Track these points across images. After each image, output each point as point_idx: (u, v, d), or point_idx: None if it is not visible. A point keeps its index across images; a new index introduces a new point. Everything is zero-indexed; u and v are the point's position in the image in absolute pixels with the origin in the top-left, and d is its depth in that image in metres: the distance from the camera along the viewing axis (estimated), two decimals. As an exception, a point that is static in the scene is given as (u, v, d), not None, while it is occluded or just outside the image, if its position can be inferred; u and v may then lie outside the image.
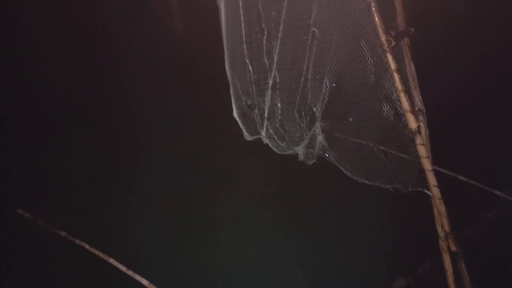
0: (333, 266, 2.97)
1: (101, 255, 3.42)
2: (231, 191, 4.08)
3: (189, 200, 4.07)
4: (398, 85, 2.30)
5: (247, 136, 3.75)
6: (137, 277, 3.22)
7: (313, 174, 3.43)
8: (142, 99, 5.51)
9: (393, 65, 2.27)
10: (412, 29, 2.47)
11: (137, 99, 5.50)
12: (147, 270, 3.26)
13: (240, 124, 3.78)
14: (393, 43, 2.25)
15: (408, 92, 2.40)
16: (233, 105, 3.75)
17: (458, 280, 2.52)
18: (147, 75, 5.90)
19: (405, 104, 2.34)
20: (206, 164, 4.46)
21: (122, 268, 3.29)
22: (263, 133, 3.63)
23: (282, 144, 3.52)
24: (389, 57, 2.25)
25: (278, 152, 3.57)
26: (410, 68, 2.50)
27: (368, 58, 2.48)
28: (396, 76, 2.30)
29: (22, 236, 3.77)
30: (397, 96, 2.37)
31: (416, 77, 2.49)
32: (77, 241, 3.57)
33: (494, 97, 4.21)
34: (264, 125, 3.60)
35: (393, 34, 2.28)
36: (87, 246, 3.52)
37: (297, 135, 3.41)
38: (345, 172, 3.08)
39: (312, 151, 3.34)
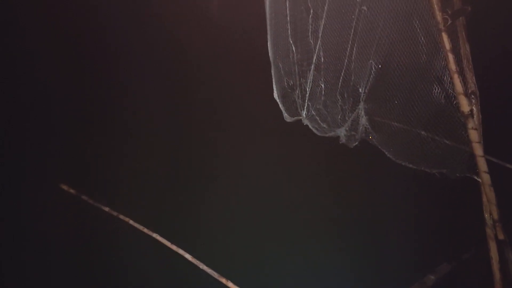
0: (378, 251, 2.95)
1: (145, 230, 3.52)
2: (270, 172, 4.09)
3: (232, 179, 4.12)
4: (452, 66, 2.22)
5: (287, 118, 3.74)
6: (181, 251, 3.31)
7: (355, 156, 3.38)
8: (183, 78, 5.58)
9: (448, 45, 2.19)
10: (469, 8, 2.36)
11: (178, 78, 5.57)
12: (190, 245, 3.32)
13: (280, 105, 3.77)
14: (449, 22, 2.16)
15: (461, 73, 2.31)
16: (274, 86, 3.74)
17: (503, 268, 2.45)
18: (190, 53, 5.93)
19: (459, 86, 2.26)
20: (245, 145, 4.48)
21: (166, 242, 3.38)
22: (304, 115, 3.61)
23: (323, 126, 3.49)
24: (445, 37, 2.17)
25: (319, 134, 3.54)
26: (465, 49, 2.40)
27: (420, 38, 2.39)
28: (451, 57, 2.21)
29: (67, 211, 3.91)
30: (450, 77, 2.29)
31: (470, 58, 2.39)
32: (121, 216, 3.68)
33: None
34: (305, 106, 3.57)
35: (449, 12, 2.19)
36: (130, 222, 3.63)
37: (339, 117, 3.37)
38: (388, 155, 3.03)
39: (354, 133, 3.28)
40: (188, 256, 3.28)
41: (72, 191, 4.10)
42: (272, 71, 3.69)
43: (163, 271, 3.36)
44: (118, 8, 6.06)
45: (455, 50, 2.29)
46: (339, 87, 3.23)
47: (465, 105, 2.28)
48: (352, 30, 2.92)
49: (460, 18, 2.39)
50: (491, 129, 2.49)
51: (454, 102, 2.37)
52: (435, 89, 2.48)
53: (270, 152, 4.38)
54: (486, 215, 2.44)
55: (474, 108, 2.38)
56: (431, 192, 3.20)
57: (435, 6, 2.14)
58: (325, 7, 2.99)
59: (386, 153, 3.04)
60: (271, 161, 4.26)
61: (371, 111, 3.12)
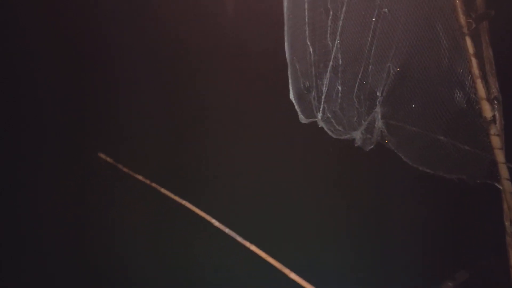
0: (395, 258, 2.92)
1: (176, 198, 3.56)
2: (284, 172, 4.09)
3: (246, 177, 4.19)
4: (476, 70, 2.18)
5: (303, 119, 3.72)
6: (207, 217, 3.39)
7: (370, 160, 3.35)
8: (200, 79, 5.61)
9: (471, 49, 2.16)
10: (493, 12, 2.32)
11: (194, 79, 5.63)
12: (217, 213, 3.38)
13: (296, 107, 3.76)
14: (474, 26, 2.13)
15: (484, 78, 2.28)
16: (290, 87, 3.73)
17: (523, 278, 2.41)
18: (204, 52, 5.96)
19: (481, 91, 2.22)
20: (260, 146, 4.49)
21: (195, 209, 3.41)
22: (319, 116, 3.59)
23: (339, 128, 3.46)
24: (468, 41, 2.14)
25: (334, 136, 3.52)
26: (488, 53, 2.36)
27: (443, 41, 2.36)
28: (474, 61, 2.18)
29: (104, 179, 4.11)
30: (472, 82, 2.26)
31: (493, 63, 2.35)
32: (153, 185, 3.79)
33: None
34: (321, 108, 3.55)
35: (473, 16, 2.16)
36: (162, 190, 3.67)
37: (355, 119, 3.34)
38: (405, 159, 2.99)
39: (370, 136, 3.26)
40: (215, 221, 3.36)
41: (109, 159, 4.21)
42: (289, 72, 3.68)
43: (191, 235, 3.54)
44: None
45: (478, 54, 2.26)
46: (355, 89, 3.20)
47: (487, 110, 2.24)
48: (371, 32, 2.89)
49: (484, 22, 2.36)
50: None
51: (476, 107, 2.33)
52: (457, 94, 2.44)
53: (285, 152, 4.39)
54: (507, 223, 2.40)
55: (496, 113, 2.34)
56: (450, 198, 3.16)
57: (459, 9, 2.11)
58: (344, 9, 2.98)
59: (403, 157, 3.00)
60: (285, 162, 4.27)
61: (387, 115, 3.09)
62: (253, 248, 2.50)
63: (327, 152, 3.99)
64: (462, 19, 2.12)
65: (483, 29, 2.38)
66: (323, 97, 3.48)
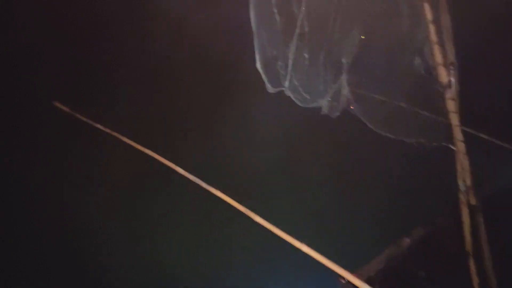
0: (356, 215, 3.08)
1: (139, 147, 3.30)
2: (252, 142, 4.14)
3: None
4: (433, 36, 2.27)
5: (270, 88, 3.74)
6: (171, 165, 3.08)
7: (336, 127, 3.45)
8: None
9: (429, 16, 2.23)
10: (451, -21, 2.39)
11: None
12: (181, 159, 3.18)
13: (263, 76, 3.77)
14: (432, -7, 2.20)
15: (441, 44, 2.37)
16: (257, 56, 3.72)
17: (474, 232, 2.60)
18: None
19: (438, 57, 2.32)
20: (226, 117, 4.50)
21: (159, 158, 3.18)
22: (287, 85, 3.62)
23: (306, 96, 3.52)
24: (427, 7, 2.21)
25: (301, 105, 3.57)
26: (445, 20, 2.43)
27: (403, 8, 2.43)
28: (432, 28, 2.26)
29: (60, 128, 3.91)
30: (430, 48, 2.35)
31: (451, 29, 2.43)
32: (115, 134, 3.50)
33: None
34: (288, 77, 3.58)
35: (432, -17, 2.22)
36: (124, 139, 3.40)
37: (322, 87, 3.41)
38: (369, 125, 3.10)
39: (336, 104, 3.34)
40: (179, 169, 3.03)
41: (65, 108, 3.98)
42: (255, 41, 3.66)
43: (155, 185, 3.55)
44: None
45: (436, 21, 2.34)
46: (322, 57, 3.25)
47: (443, 75, 2.35)
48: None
49: (442, -11, 2.43)
50: (468, 99, 2.57)
51: (434, 73, 2.43)
52: (416, 60, 2.54)
53: (252, 122, 4.43)
54: (460, 182, 2.56)
55: (452, 78, 2.45)
56: (409, 160, 3.32)
57: (419, -24, 2.16)
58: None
59: (367, 123, 3.11)
60: (253, 131, 4.31)
61: (353, 82, 3.17)
62: (219, 194, 2.51)
63: (294, 120, 4.05)
64: (421, -14, 2.17)
65: (441, -5, 2.45)
66: (290, 65, 3.51)
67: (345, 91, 3.22)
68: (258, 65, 3.75)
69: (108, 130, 3.51)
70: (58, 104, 3.93)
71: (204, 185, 2.67)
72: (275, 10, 3.35)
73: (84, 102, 4.10)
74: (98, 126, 3.58)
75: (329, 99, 3.36)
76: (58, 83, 4.41)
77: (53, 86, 4.36)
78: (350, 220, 3.14)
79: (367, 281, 2.11)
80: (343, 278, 1.88)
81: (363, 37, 2.95)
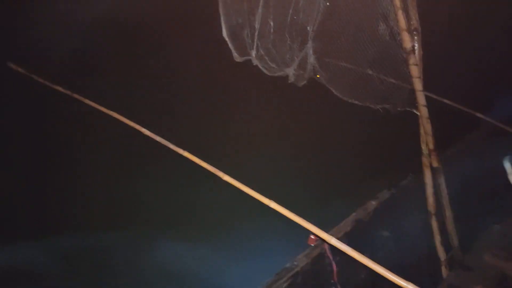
0: (324, 180, 3.15)
1: (103, 108, 3.20)
2: (220, 110, 4.12)
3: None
4: (397, 2, 2.27)
5: (237, 57, 3.67)
6: (137, 126, 2.87)
7: (304, 95, 3.47)
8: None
9: (393, -19, 2.22)
10: None
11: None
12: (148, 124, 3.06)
13: (230, 44, 3.70)
14: (395, -43, 2.19)
15: (405, 10, 2.38)
16: (223, 24, 3.63)
17: (436, 193, 2.72)
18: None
19: (402, 23, 2.34)
20: (195, 85, 4.44)
21: (122, 118, 3.09)
22: (254, 54, 3.58)
23: (272, 65, 3.49)
24: (390, -28, 2.20)
25: (268, 73, 3.54)
26: (409, -15, 2.44)
27: (368, -27, 2.41)
28: (396, -7, 2.26)
29: (16, 91, 3.75)
30: (395, 14, 2.36)
31: (414, -6, 2.45)
32: (76, 96, 3.24)
33: (489, 24, 4.23)
34: (255, 46, 3.53)
35: None
36: (86, 101, 3.31)
37: (288, 56, 3.38)
38: (336, 93, 3.13)
39: (303, 72, 3.33)
40: (145, 130, 2.83)
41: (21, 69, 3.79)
42: (220, 9, 3.57)
43: (117, 144, 3.44)
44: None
45: (400, -14, 2.34)
46: (287, 25, 3.21)
47: (407, 41, 2.38)
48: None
49: (406, -47, 2.42)
50: (430, 65, 2.63)
51: (398, 38, 2.45)
52: (381, 26, 2.55)
53: (221, 91, 4.39)
54: (423, 146, 2.66)
55: (416, 44, 2.48)
56: (374, 126, 3.39)
57: None
58: None
59: (334, 91, 3.13)
60: (223, 99, 4.29)
61: (319, 50, 3.16)
62: (186, 154, 2.49)
63: (263, 89, 4.04)
64: (385, -50, 2.15)
65: (405, -40, 2.45)
66: (256, 33, 3.45)
67: (311, 59, 3.21)
68: (224, 33, 3.68)
69: (68, 92, 3.36)
70: (12, 65, 3.71)
71: (171, 146, 2.63)
72: (239, -23, 3.26)
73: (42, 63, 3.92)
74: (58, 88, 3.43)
75: (296, 68, 3.35)
76: (13, 44, 4.19)
77: (6, 45, 4.13)
78: (318, 185, 3.22)
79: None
80: (314, 234, 1.92)
81: (328, 3, 2.92)
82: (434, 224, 2.76)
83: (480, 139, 3.26)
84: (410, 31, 2.40)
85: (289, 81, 3.42)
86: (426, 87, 2.54)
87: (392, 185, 2.72)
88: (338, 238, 2.27)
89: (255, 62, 3.60)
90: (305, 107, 3.96)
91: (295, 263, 2.13)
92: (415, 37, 2.47)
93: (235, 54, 3.68)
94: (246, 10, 3.39)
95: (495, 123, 3.20)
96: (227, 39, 3.68)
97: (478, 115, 3.26)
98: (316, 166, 3.42)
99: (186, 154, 2.53)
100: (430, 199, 2.72)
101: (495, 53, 4.29)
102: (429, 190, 2.69)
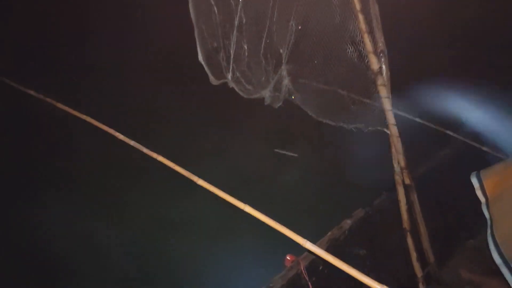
0: (299, 198, 3.17)
1: (75, 112, 3.15)
2: (199, 134, 4.14)
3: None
4: (362, 26, 2.36)
5: (213, 81, 3.73)
6: (102, 126, 2.94)
7: (279, 116, 3.53)
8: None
9: (358, 6, 2.31)
10: (377, -30, 2.49)
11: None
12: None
13: (206, 68, 3.75)
14: (359, -17, 2.28)
15: (371, 33, 2.47)
16: (198, 49, 3.69)
17: (410, 210, 2.76)
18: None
19: (368, 45, 2.42)
20: (174, 109, 4.47)
21: (95, 122, 3.06)
22: (229, 77, 3.63)
23: (248, 88, 3.54)
24: (355, -2, 2.29)
25: (245, 96, 3.60)
26: (374, 9, 2.53)
27: (334, -1, 2.50)
28: (361, 17, 2.35)
29: None
30: (361, 37, 2.44)
31: (379, 18, 2.54)
32: (48, 99, 3.33)
33: (453, 40, 4.41)
34: (230, 69, 3.59)
35: (358, -26, 2.31)
36: (59, 105, 3.27)
37: (263, 78, 3.44)
38: (310, 113, 3.19)
39: (278, 94, 3.39)
40: (119, 134, 2.87)
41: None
42: (196, 33, 3.62)
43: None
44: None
45: (365, 10, 2.43)
46: (262, 48, 3.28)
47: (374, 63, 2.46)
48: (273, -9, 2.95)
49: (370, -20, 2.52)
50: (398, 84, 2.71)
51: (366, 60, 2.53)
52: (349, 49, 2.63)
53: (198, 114, 4.42)
54: (395, 164, 2.71)
55: (383, 65, 2.56)
56: (348, 145, 3.45)
57: (346, -33, 2.23)
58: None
59: (308, 111, 3.19)
60: (200, 123, 4.32)
61: (293, 72, 3.23)
62: (160, 158, 2.50)
63: (240, 111, 4.09)
64: (349, -23, 2.25)
65: (369, -14, 2.55)
66: (231, 57, 3.51)
67: (286, 81, 3.28)
68: (200, 58, 3.73)
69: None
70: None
71: (145, 150, 2.64)
72: (213, 3, 3.33)
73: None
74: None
75: (271, 89, 3.41)
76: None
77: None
78: (291, 206, 3.23)
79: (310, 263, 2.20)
80: (289, 255, 1.93)
81: (299, 27, 3.01)
82: (410, 241, 2.79)
83: (450, 155, 3.34)
84: (376, 53, 2.48)
85: (265, 103, 3.47)
86: (396, 106, 2.62)
87: (367, 203, 2.76)
88: (313, 258, 2.29)
89: (231, 84, 3.65)
90: (280, 128, 4.02)
91: (271, 285, 2.12)
92: (382, 59, 2.55)
93: (211, 78, 3.73)
94: (221, 35, 3.46)
95: (463, 140, 3.30)
96: (203, 63, 3.74)
97: (448, 132, 3.36)
98: (288, 186, 3.46)
99: (160, 158, 2.56)
100: (405, 216, 2.76)
101: (464, 71, 4.45)
102: (403, 207, 2.73)
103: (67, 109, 3.11)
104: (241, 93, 3.63)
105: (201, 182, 2.26)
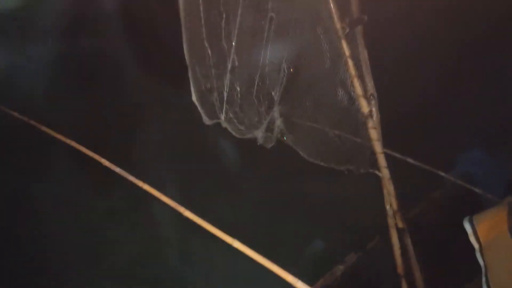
0: (290, 242, 3.11)
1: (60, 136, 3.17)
2: (191, 174, 4.12)
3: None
4: (352, 70, 2.40)
5: (207, 120, 3.76)
6: (87, 151, 2.98)
7: (271, 156, 3.52)
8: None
9: (347, 52, 2.36)
10: (366, 17, 2.56)
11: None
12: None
13: (199, 108, 3.78)
14: (347, 30, 2.34)
15: (361, 77, 2.51)
16: (192, 89, 3.74)
17: (404, 254, 2.71)
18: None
19: (358, 89, 2.45)
20: (166, 148, 4.47)
21: (81, 147, 2.99)
22: (222, 117, 3.66)
23: (241, 128, 3.56)
24: (344, 44, 2.35)
25: (238, 136, 3.61)
26: (363, 54, 2.59)
27: (324, 44, 2.56)
28: (350, 62, 2.40)
29: None
30: (351, 81, 2.48)
31: (368, 63, 2.59)
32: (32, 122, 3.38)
33: (441, 83, 4.49)
34: (224, 109, 3.62)
35: (347, 21, 2.37)
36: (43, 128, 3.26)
37: (256, 119, 3.47)
38: (302, 154, 3.19)
39: (270, 134, 3.41)
40: (104, 161, 2.89)
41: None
42: (189, 74, 3.68)
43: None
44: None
45: (355, 55, 2.48)
46: (254, 90, 3.33)
47: (364, 106, 2.48)
48: (265, 35, 3.02)
49: (358, 26, 2.59)
50: (389, 126, 2.73)
51: (356, 103, 2.56)
52: (340, 92, 2.67)
53: (192, 153, 4.42)
54: (387, 206, 2.68)
55: (373, 109, 2.59)
56: (339, 188, 3.43)
57: (334, 15, 2.30)
58: (238, 12, 3.07)
59: (300, 152, 3.19)
60: (193, 162, 4.31)
61: (285, 113, 3.26)
62: (146, 187, 2.47)
63: (233, 151, 4.09)
64: (337, 24, 2.31)
65: (358, 32, 2.62)
66: (224, 98, 3.56)
67: (278, 122, 3.30)
68: (194, 98, 3.78)
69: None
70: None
71: (131, 178, 2.62)
72: (207, 44, 3.41)
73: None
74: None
75: (264, 130, 3.43)
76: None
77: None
78: (282, 250, 3.16)
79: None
80: None
81: (291, 69, 3.07)
82: (404, 286, 2.72)
83: (443, 198, 3.33)
84: (366, 96, 2.51)
85: (258, 143, 3.48)
86: (388, 146, 2.62)
87: (359, 248, 2.71)
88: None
89: (224, 124, 3.68)
90: (272, 168, 4.01)
91: None
92: (372, 102, 2.58)
93: (204, 118, 3.77)
94: (214, 76, 3.51)
95: (457, 182, 3.29)
96: (196, 103, 3.78)
97: (441, 173, 3.35)
98: (279, 229, 3.41)
99: (146, 187, 2.53)
100: (399, 261, 2.70)
101: (456, 112, 4.51)
102: (397, 251, 2.68)
103: (50, 132, 3.14)
104: (233, 133, 3.65)
105: (187, 213, 2.23)
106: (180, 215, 2.28)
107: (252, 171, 4.14)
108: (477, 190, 3.23)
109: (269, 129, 3.40)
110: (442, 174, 3.37)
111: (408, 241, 2.71)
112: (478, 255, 2.08)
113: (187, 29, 3.51)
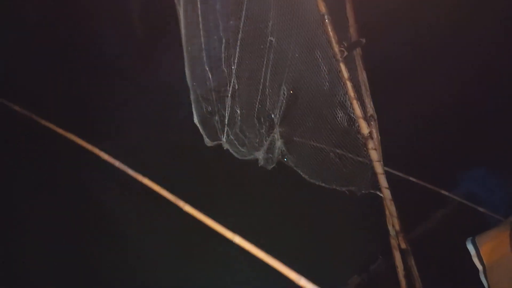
0: (291, 266, 3.06)
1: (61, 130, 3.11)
2: (193, 195, 4.11)
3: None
4: (351, 93, 2.43)
5: (208, 142, 3.78)
6: (94, 150, 2.87)
7: (272, 177, 3.52)
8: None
9: (346, 74, 2.39)
10: (364, 40, 2.61)
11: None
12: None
13: (201, 130, 3.81)
14: (346, 53, 2.38)
15: (360, 99, 2.53)
16: (194, 111, 3.78)
17: (408, 275, 2.68)
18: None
19: (358, 111, 2.47)
20: (167, 170, 4.47)
21: (80, 141, 2.95)
22: (224, 139, 3.68)
23: (242, 150, 3.58)
24: (342, 67, 2.38)
25: (239, 157, 3.63)
26: (362, 76, 2.63)
27: (323, 67, 2.60)
28: (349, 85, 2.42)
29: None
30: (350, 103, 2.50)
31: (367, 85, 2.62)
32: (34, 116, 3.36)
33: (440, 102, 4.52)
34: (225, 131, 3.65)
35: (345, 44, 2.41)
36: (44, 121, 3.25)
37: (257, 140, 3.49)
38: (303, 175, 3.19)
39: (271, 156, 3.42)
40: (103, 154, 2.81)
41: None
42: (191, 97, 3.73)
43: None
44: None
45: (353, 78, 2.51)
46: (255, 112, 3.36)
47: (364, 127, 2.50)
48: (265, 59, 3.07)
49: (357, 49, 2.64)
50: (390, 147, 2.74)
51: (356, 125, 2.58)
52: (339, 114, 2.69)
53: (192, 174, 4.42)
54: (390, 227, 2.67)
55: (373, 130, 2.61)
56: (341, 209, 3.42)
57: (332, 39, 2.34)
58: (238, 36, 3.13)
59: (301, 173, 3.20)
60: (193, 183, 4.31)
61: (286, 134, 3.28)
62: (146, 181, 2.44)
63: (233, 172, 4.09)
64: (336, 47, 2.35)
65: (357, 54, 2.66)
66: (225, 120, 3.59)
67: (279, 143, 3.32)
68: (196, 120, 3.81)
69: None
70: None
71: (130, 172, 2.59)
72: (207, 68, 3.46)
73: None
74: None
75: (265, 151, 3.44)
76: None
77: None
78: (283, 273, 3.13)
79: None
80: None
81: (291, 91, 3.10)
82: (409, 308, 2.68)
83: (445, 216, 3.31)
84: (366, 118, 2.53)
85: (259, 165, 3.49)
86: (390, 167, 2.62)
87: (362, 269, 2.68)
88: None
89: (226, 146, 3.70)
90: (273, 190, 4.00)
91: None
92: (372, 123, 2.59)
93: (206, 139, 3.79)
94: (215, 99, 3.55)
95: (460, 200, 3.28)
96: (198, 125, 3.81)
97: (443, 192, 3.34)
98: (280, 251, 3.37)
99: (145, 181, 2.52)
100: (403, 282, 2.67)
101: (457, 130, 4.52)
102: (401, 273, 2.65)
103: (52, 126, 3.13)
104: (235, 154, 3.67)
105: (187, 208, 2.22)
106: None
107: (252, 192, 4.14)
108: (480, 209, 3.21)
109: (270, 150, 3.42)
110: (445, 192, 3.35)
111: (412, 262, 2.69)
112: (482, 276, 2.06)
113: (188, 53, 3.57)
